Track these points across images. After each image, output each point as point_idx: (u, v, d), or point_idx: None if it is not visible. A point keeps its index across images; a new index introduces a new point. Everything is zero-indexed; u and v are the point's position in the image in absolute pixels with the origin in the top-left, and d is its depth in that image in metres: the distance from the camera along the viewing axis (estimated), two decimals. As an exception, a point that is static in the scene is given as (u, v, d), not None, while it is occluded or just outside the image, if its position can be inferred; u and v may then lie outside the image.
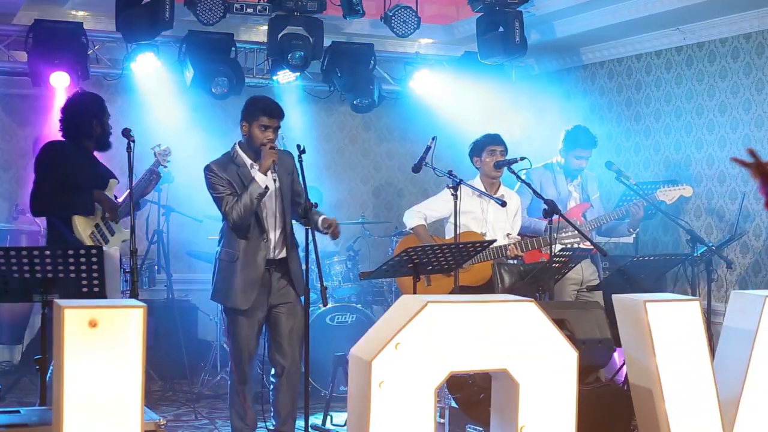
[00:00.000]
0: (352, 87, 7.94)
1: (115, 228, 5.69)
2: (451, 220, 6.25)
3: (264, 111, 5.29)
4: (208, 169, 5.32)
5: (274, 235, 5.34)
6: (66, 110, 5.72)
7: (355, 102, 8.08)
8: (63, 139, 5.71)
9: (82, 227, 5.49)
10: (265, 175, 5.22)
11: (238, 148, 5.36)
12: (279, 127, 5.34)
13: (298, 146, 5.15)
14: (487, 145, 6.32)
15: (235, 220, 5.22)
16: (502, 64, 8.18)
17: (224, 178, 5.25)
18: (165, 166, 5.86)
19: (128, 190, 5.61)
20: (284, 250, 5.38)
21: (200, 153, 8.41)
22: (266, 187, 5.21)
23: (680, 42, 7.69)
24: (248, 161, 5.32)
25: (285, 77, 7.76)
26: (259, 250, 5.27)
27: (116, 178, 5.81)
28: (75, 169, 5.54)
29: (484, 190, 6.27)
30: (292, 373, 5.33)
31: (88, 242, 5.44)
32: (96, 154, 5.79)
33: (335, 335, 6.99)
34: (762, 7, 6.91)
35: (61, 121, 5.73)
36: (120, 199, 5.74)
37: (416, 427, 3.67)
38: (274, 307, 5.35)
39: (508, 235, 6.23)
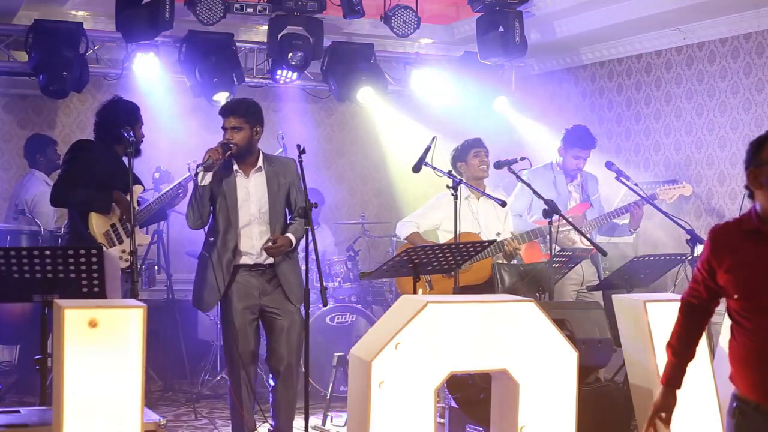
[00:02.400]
0: (353, 85, 7.92)
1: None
2: (443, 227, 6.26)
3: (220, 113, 5.34)
4: (195, 173, 5.35)
5: (256, 241, 5.29)
6: (98, 115, 5.84)
7: (357, 97, 8.01)
8: (94, 140, 5.83)
9: (98, 225, 5.56)
10: (206, 171, 5.16)
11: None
12: (240, 127, 5.25)
13: (298, 146, 5.13)
14: (473, 148, 6.34)
15: (189, 222, 5.26)
16: (502, 64, 8.18)
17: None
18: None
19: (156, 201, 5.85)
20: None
21: (200, 153, 8.44)
22: (203, 185, 5.17)
23: (680, 42, 7.69)
24: (234, 166, 5.32)
25: (285, 77, 7.75)
26: (227, 254, 5.23)
27: (142, 185, 5.88)
28: (98, 169, 5.61)
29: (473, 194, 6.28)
30: (288, 375, 5.30)
31: (101, 240, 5.49)
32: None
33: (335, 335, 6.99)
34: (762, 7, 6.91)
35: (94, 124, 5.86)
36: (141, 206, 5.83)
37: (416, 427, 3.67)
38: (267, 310, 5.33)
39: (497, 235, 6.23)
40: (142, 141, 5.80)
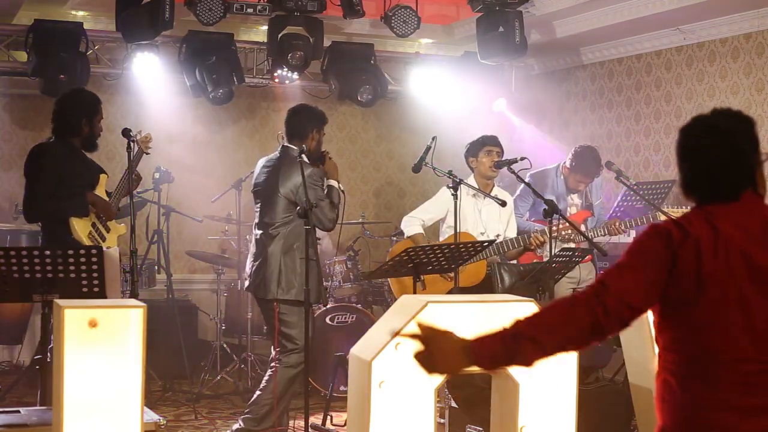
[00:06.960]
0: (353, 85, 7.92)
1: (109, 225, 5.69)
2: (448, 222, 6.26)
3: (324, 121, 5.83)
4: (318, 176, 5.60)
5: None
6: (57, 105, 5.70)
7: (359, 98, 8.00)
8: (50, 140, 5.69)
9: (80, 229, 5.50)
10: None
11: (302, 156, 5.49)
12: None
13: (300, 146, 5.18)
14: (485, 145, 6.32)
15: (332, 226, 5.57)
16: (502, 64, 8.18)
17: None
18: (148, 153, 5.82)
19: (120, 188, 5.75)
20: None
21: (200, 153, 8.45)
22: None
23: (680, 42, 7.69)
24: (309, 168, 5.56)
25: (285, 77, 7.75)
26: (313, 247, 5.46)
27: (105, 173, 5.80)
28: (66, 172, 5.51)
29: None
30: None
31: (87, 242, 5.44)
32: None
33: (335, 335, 6.98)
34: (762, 7, 6.91)
35: (52, 113, 5.70)
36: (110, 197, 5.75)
37: (416, 427, 3.67)
38: None
39: (497, 236, 6.23)
40: (99, 135, 5.74)
